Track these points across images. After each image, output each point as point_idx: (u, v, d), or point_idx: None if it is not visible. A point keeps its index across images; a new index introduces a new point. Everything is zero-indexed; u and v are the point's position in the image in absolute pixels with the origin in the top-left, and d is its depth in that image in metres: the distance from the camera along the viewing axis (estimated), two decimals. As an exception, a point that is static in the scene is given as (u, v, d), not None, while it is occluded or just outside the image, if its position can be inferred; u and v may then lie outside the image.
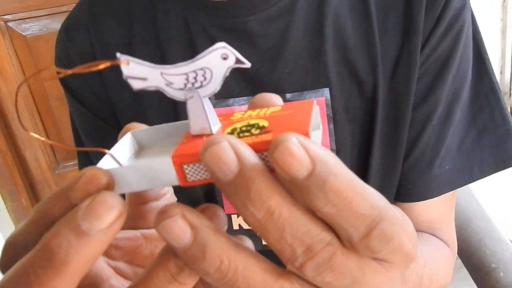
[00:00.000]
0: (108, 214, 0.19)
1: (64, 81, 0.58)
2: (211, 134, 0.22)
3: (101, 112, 0.57)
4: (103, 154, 0.22)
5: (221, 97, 0.53)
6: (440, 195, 0.55)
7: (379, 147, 0.53)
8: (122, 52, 0.21)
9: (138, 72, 0.22)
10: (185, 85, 0.22)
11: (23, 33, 1.38)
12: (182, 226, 0.19)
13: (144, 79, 0.22)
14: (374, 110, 0.52)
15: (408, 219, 0.20)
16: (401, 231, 0.19)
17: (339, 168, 0.18)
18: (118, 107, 0.56)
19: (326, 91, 0.51)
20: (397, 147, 0.53)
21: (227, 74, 0.22)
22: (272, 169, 0.19)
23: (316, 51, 0.51)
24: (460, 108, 0.53)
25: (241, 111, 0.25)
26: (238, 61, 0.22)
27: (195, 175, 0.21)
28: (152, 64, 0.21)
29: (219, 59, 0.22)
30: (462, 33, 0.51)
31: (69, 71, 0.20)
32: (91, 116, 0.58)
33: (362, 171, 0.55)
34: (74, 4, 0.60)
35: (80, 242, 0.19)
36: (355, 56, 0.51)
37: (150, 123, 0.54)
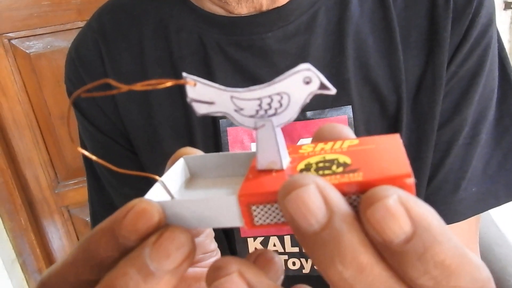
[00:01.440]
0: (178, 253, 0.17)
1: (74, 101, 0.56)
2: (282, 170, 0.19)
3: (112, 132, 0.55)
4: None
5: None
6: (465, 219, 0.52)
7: None
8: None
9: (205, 95, 0.19)
10: (257, 111, 0.19)
11: (26, 51, 1.37)
12: (240, 286, 0.17)
13: (211, 103, 0.19)
14: (397, 130, 0.50)
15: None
16: None
17: (443, 234, 0.15)
18: (129, 128, 0.54)
19: (348, 109, 0.49)
20: (421, 169, 0.51)
21: (308, 101, 0.19)
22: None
23: (337, 68, 0.49)
24: (486, 129, 0.51)
25: (310, 144, 0.21)
26: (322, 86, 0.19)
27: (265, 218, 0.18)
28: (222, 87, 0.19)
29: (301, 83, 0.19)
30: (488, 50, 0.49)
31: (126, 87, 0.18)
32: (101, 137, 0.56)
33: None
34: (78, 22, 0.59)
35: (148, 284, 0.17)
36: (377, 73, 0.49)
37: (163, 144, 0.52)
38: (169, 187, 0.20)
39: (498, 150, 0.53)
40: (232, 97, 0.19)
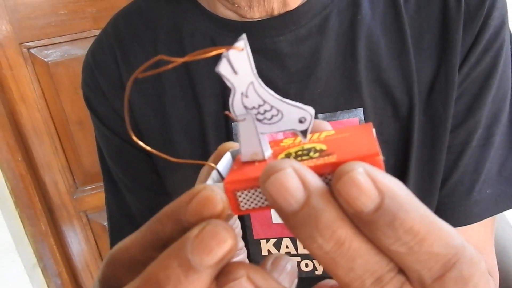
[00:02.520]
0: (219, 248, 0.17)
1: (90, 105, 0.58)
2: (264, 160, 0.21)
3: (127, 135, 0.56)
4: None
5: None
6: (480, 220, 0.52)
7: (415, 171, 0.51)
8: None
9: (239, 64, 0.20)
10: (253, 107, 0.21)
11: (44, 59, 1.40)
12: None
13: (236, 72, 0.20)
14: (410, 132, 0.50)
15: (481, 257, 0.18)
16: (477, 272, 0.17)
17: (410, 202, 0.16)
18: (144, 130, 0.55)
19: (360, 111, 0.49)
20: (434, 171, 0.51)
21: (286, 130, 0.21)
22: None
23: (349, 71, 0.49)
24: (500, 131, 0.51)
25: (290, 138, 0.23)
26: (304, 133, 0.21)
27: (250, 203, 0.19)
28: (254, 69, 0.20)
29: (296, 117, 0.21)
30: (501, 52, 0.49)
31: (180, 60, 0.19)
32: (117, 140, 0.57)
33: None
34: (94, 30, 0.60)
35: (188, 278, 0.17)
36: (389, 76, 0.49)
37: (177, 146, 0.53)
38: (223, 175, 0.21)
39: None
40: (252, 82, 0.20)
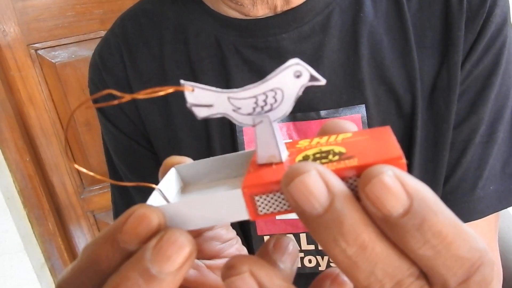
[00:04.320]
0: (178, 255, 0.17)
1: (96, 103, 0.59)
2: (281, 162, 0.21)
3: (134, 134, 0.57)
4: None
5: None
6: (483, 217, 0.52)
7: (418, 168, 0.51)
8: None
9: (204, 99, 0.20)
10: (254, 109, 0.20)
11: (52, 61, 1.42)
12: (251, 285, 0.18)
13: (209, 106, 0.20)
14: (413, 130, 0.50)
15: (493, 258, 0.18)
16: (496, 276, 0.18)
17: (438, 205, 0.16)
18: (150, 129, 0.56)
19: (362, 108, 0.50)
20: (437, 168, 0.51)
21: (300, 93, 0.20)
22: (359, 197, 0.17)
23: (352, 68, 0.50)
24: (503, 127, 0.51)
25: (306, 139, 0.23)
26: (312, 78, 0.20)
27: (268, 207, 0.19)
28: (219, 89, 0.20)
29: (292, 78, 0.20)
30: (504, 49, 0.49)
31: (129, 97, 0.19)
32: (124, 138, 0.57)
33: None
34: (101, 31, 0.61)
35: (150, 286, 0.17)
36: (392, 73, 0.49)
37: (182, 144, 0.54)
38: (166, 195, 0.21)
39: None
40: (229, 98, 0.20)
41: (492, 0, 0.48)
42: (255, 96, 0.20)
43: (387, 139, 0.20)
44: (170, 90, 0.19)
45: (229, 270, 0.18)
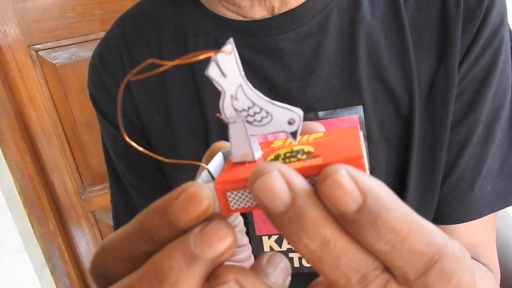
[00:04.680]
0: (221, 244, 0.18)
1: (96, 104, 0.59)
2: (254, 161, 0.22)
3: (133, 134, 0.57)
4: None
5: None
6: (481, 217, 0.52)
7: (416, 168, 0.51)
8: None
9: (227, 67, 0.20)
10: (243, 110, 0.21)
11: (52, 62, 1.42)
12: None
13: (224, 75, 0.21)
14: (410, 129, 0.50)
15: (465, 251, 0.19)
16: (461, 268, 0.18)
17: (392, 202, 0.17)
18: (149, 129, 0.56)
19: (360, 109, 0.50)
20: (435, 168, 0.51)
21: (275, 133, 0.22)
22: None
23: (349, 69, 0.50)
24: (500, 127, 0.51)
25: (281, 139, 0.24)
26: (294, 134, 0.22)
27: (239, 203, 0.20)
28: (242, 72, 0.21)
29: (286, 119, 0.21)
30: (501, 49, 0.49)
31: (170, 63, 0.20)
32: (123, 138, 0.58)
33: (399, 193, 0.53)
34: (102, 32, 0.61)
35: (190, 268, 0.18)
36: (389, 74, 0.50)
37: (181, 144, 0.54)
38: (214, 175, 0.22)
39: None
40: (240, 85, 0.21)
41: (489, 1, 0.48)
42: (254, 104, 0.21)
43: (353, 139, 0.21)
44: (211, 53, 0.20)
45: (215, 279, 0.19)
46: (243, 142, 0.22)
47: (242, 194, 0.20)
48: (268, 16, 0.51)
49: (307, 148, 0.21)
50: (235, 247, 0.19)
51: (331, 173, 0.17)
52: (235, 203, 0.20)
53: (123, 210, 0.62)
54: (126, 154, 0.59)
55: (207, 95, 0.53)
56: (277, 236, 0.55)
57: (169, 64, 0.19)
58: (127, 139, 0.21)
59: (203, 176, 0.22)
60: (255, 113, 0.21)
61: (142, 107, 0.55)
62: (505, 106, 0.51)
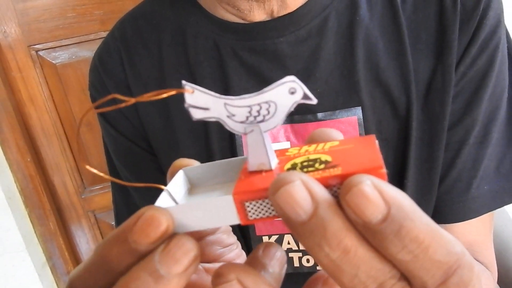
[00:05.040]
0: (185, 258, 0.19)
1: (98, 108, 0.59)
2: (270, 170, 0.22)
3: (133, 136, 0.58)
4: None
5: None
6: (478, 216, 0.53)
7: (413, 169, 0.52)
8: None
9: (202, 102, 0.21)
10: (247, 118, 0.21)
11: (52, 62, 1.42)
12: None
13: (206, 109, 0.21)
14: (408, 131, 0.51)
15: (474, 260, 0.19)
16: (474, 276, 0.18)
17: (415, 212, 0.17)
18: (149, 131, 0.56)
19: (358, 110, 0.50)
20: (432, 168, 0.52)
21: (292, 109, 0.21)
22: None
23: (348, 71, 0.51)
24: (497, 128, 0.52)
25: (296, 147, 0.24)
26: (305, 96, 0.21)
27: (257, 213, 0.20)
28: (217, 94, 0.21)
29: (287, 93, 0.21)
30: (497, 51, 0.50)
31: (133, 100, 0.20)
32: (124, 140, 0.58)
33: None
34: (102, 32, 0.62)
35: (159, 286, 0.18)
36: (387, 75, 0.50)
37: (181, 146, 0.55)
38: (174, 196, 0.22)
39: (511, 149, 0.53)
40: (225, 104, 0.21)
41: (486, 3, 0.49)
42: (250, 106, 0.21)
43: (371, 148, 0.21)
44: (173, 92, 0.20)
45: (218, 278, 0.19)
46: (260, 151, 0.21)
47: (261, 204, 0.20)
48: (267, 19, 0.51)
49: (324, 157, 0.21)
50: (218, 249, 0.19)
51: (356, 183, 0.17)
52: (253, 213, 0.20)
53: (124, 210, 0.63)
54: (126, 155, 0.59)
55: None
56: (277, 236, 0.55)
57: (132, 101, 0.20)
58: (108, 177, 0.21)
59: (162, 198, 0.22)
60: (258, 111, 0.21)
61: (142, 109, 0.56)
62: (501, 107, 0.52)
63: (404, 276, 0.18)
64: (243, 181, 0.21)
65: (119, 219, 0.64)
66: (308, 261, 0.55)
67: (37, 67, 1.41)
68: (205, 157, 0.54)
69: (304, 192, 0.18)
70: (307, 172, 0.20)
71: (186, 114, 0.60)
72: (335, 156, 0.21)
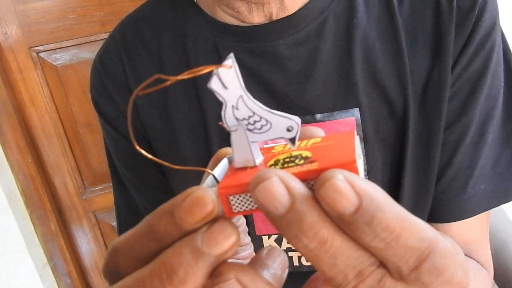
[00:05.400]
0: (226, 242, 0.20)
1: (99, 108, 0.60)
2: (255, 166, 0.23)
3: (134, 137, 0.58)
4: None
5: None
6: (475, 215, 0.54)
7: (411, 168, 0.53)
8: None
9: (227, 80, 0.22)
10: (244, 119, 0.23)
11: (53, 63, 1.43)
12: None
13: (225, 87, 0.22)
14: (405, 131, 0.51)
15: (459, 248, 0.20)
16: (453, 263, 0.19)
17: (386, 203, 0.18)
18: (150, 132, 0.57)
19: (356, 111, 0.51)
20: (429, 168, 0.52)
21: (274, 139, 0.23)
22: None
23: (346, 72, 0.51)
24: (493, 128, 0.53)
25: (281, 144, 0.25)
26: (292, 140, 0.23)
27: (241, 206, 0.21)
28: (242, 84, 0.22)
29: (284, 127, 0.23)
30: (493, 52, 0.51)
31: (175, 78, 0.21)
32: (124, 141, 0.59)
33: (394, 192, 0.54)
34: (102, 34, 0.62)
35: (198, 264, 0.20)
36: (384, 77, 0.51)
37: (181, 147, 0.55)
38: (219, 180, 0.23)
39: (507, 149, 0.54)
40: (241, 96, 0.22)
41: (481, 5, 0.49)
42: (254, 113, 0.22)
43: (348, 144, 0.22)
44: (213, 67, 0.21)
45: (217, 277, 0.20)
46: (244, 149, 0.23)
47: (244, 198, 0.21)
48: (266, 21, 0.52)
49: (305, 153, 0.22)
50: (238, 246, 0.21)
51: (329, 178, 0.18)
52: (237, 206, 0.21)
53: (126, 211, 0.63)
54: (127, 156, 0.60)
55: (207, 98, 0.54)
56: (276, 235, 0.56)
57: (174, 79, 0.21)
58: (138, 148, 0.22)
59: (208, 181, 0.23)
60: (255, 121, 0.22)
61: (143, 111, 0.57)
62: (497, 107, 0.53)
63: (383, 264, 0.19)
64: (229, 176, 0.22)
65: (121, 220, 0.65)
66: (307, 260, 0.56)
67: (37, 69, 1.42)
68: (205, 157, 0.54)
69: (281, 187, 0.19)
70: (288, 167, 0.21)
71: (186, 114, 0.61)
72: (315, 152, 0.22)
